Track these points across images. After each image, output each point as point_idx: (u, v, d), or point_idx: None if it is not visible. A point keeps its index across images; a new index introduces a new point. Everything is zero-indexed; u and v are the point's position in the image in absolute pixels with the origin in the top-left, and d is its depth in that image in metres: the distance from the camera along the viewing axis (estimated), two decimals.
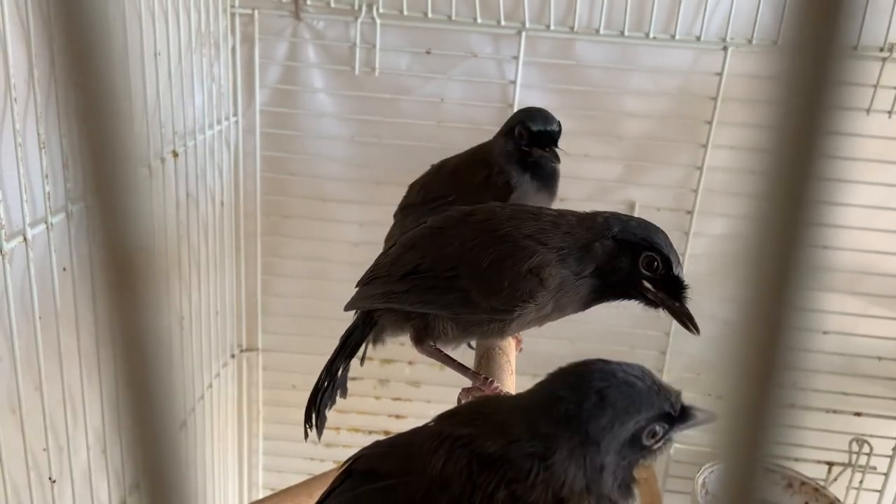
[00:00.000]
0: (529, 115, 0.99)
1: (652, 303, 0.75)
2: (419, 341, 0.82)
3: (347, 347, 0.87)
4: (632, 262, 0.74)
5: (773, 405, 0.14)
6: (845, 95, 0.14)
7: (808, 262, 0.14)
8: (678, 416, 0.54)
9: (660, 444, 0.54)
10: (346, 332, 0.89)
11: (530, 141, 0.97)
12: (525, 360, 0.99)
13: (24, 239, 0.79)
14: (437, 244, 0.80)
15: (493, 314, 0.76)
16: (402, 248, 0.83)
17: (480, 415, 0.55)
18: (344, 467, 0.57)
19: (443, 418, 0.58)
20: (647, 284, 0.74)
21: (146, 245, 0.17)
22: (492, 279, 0.75)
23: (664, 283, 0.74)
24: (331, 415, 1.56)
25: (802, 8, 0.13)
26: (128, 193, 0.17)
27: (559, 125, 0.99)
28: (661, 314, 0.78)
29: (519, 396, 0.57)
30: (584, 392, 0.51)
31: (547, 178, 1.00)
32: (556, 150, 0.98)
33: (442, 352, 0.83)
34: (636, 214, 1.39)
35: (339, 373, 0.88)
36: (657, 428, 0.53)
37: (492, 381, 0.81)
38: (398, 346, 1.51)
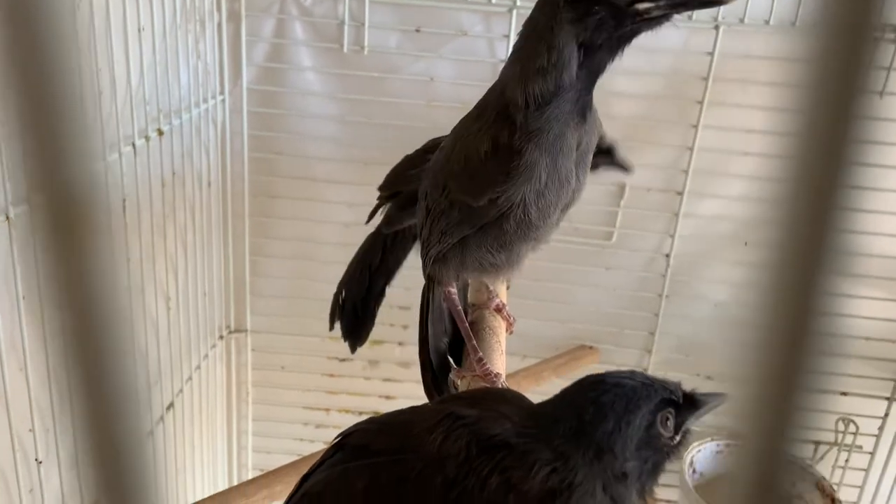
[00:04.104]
0: None
1: (663, 17, 0.66)
2: (444, 281, 0.82)
3: (434, 319, 0.87)
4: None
5: (798, 390, 0.14)
6: (875, 78, 0.13)
7: (837, 247, 0.13)
8: (684, 403, 0.54)
9: (678, 435, 0.54)
10: (422, 306, 0.89)
11: None
12: (515, 341, 0.99)
13: (7, 218, 0.77)
14: (429, 180, 0.81)
15: (497, 209, 0.72)
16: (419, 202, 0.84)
17: (491, 400, 0.55)
18: (336, 441, 0.56)
19: (446, 400, 0.57)
20: (643, 6, 0.65)
21: (90, 193, 0.16)
22: (468, 177, 0.73)
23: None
24: (320, 396, 1.56)
25: None
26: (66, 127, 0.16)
27: None
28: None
29: (536, 403, 0.57)
30: (579, 406, 0.51)
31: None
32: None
33: (458, 305, 0.83)
34: (626, 196, 1.39)
35: (446, 344, 0.88)
36: (666, 414, 0.53)
37: (484, 363, 0.81)
38: (387, 328, 1.51)
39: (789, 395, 0.14)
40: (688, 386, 0.56)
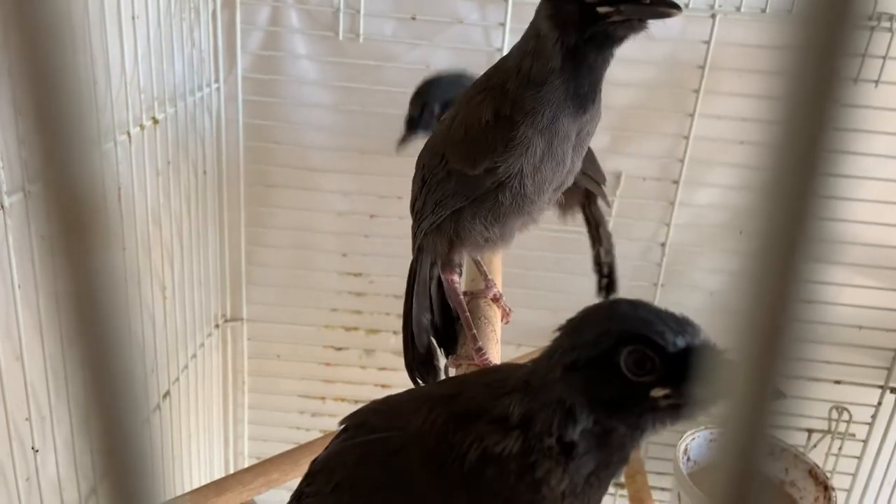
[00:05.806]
0: None
1: (627, 22, 0.70)
2: (447, 263, 0.82)
3: (419, 292, 0.85)
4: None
5: (777, 375, 0.14)
6: (854, 66, 0.13)
7: (817, 235, 0.14)
8: (683, 358, 0.43)
9: (663, 390, 0.43)
10: (408, 280, 0.87)
11: None
12: (509, 329, 0.99)
13: (2, 207, 0.77)
14: (427, 150, 0.82)
15: (493, 178, 0.73)
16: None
17: (473, 379, 0.55)
18: (343, 424, 0.58)
19: (437, 383, 0.58)
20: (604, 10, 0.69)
21: (87, 183, 0.16)
22: (468, 144, 0.74)
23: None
24: (316, 384, 1.57)
25: None
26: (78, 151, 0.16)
27: None
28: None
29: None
30: (565, 327, 0.47)
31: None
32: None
33: (460, 294, 0.84)
34: (622, 185, 1.40)
35: (429, 321, 0.86)
36: (636, 352, 0.43)
37: (483, 353, 0.81)
38: (383, 316, 1.51)
39: (770, 381, 0.14)
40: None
